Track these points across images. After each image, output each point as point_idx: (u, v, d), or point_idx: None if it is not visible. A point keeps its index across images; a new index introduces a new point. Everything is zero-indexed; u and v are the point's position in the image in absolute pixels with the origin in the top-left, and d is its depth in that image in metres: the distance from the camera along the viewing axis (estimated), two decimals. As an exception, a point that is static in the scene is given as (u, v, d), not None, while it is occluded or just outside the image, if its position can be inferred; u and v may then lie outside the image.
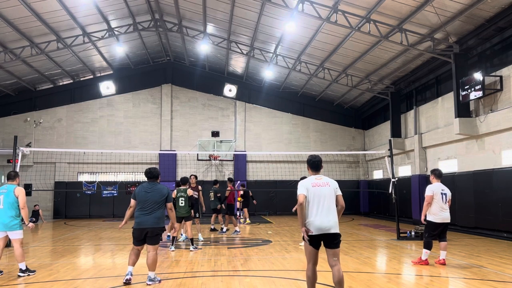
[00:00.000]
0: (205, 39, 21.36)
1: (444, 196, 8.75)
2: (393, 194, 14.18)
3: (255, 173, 25.73)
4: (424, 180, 19.01)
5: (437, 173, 9.01)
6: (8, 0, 15.61)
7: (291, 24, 16.69)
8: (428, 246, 8.75)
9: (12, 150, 13.31)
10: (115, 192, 24.28)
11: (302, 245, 10.68)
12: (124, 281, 7.02)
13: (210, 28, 21.07)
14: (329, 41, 18.66)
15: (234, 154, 25.62)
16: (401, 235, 13.45)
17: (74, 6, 17.41)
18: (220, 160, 26.01)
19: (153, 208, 7.08)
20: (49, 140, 25.51)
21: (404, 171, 21.77)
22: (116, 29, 20.59)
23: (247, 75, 26.55)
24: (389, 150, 14.96)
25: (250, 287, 6.87)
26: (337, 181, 5.84)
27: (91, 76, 26.50)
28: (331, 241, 5.47)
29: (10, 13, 16.64)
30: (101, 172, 25.48)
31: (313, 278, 5.57)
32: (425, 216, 8.86)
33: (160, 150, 25.59)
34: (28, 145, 24.09)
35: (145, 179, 7.51)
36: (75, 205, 25.20)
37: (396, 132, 21.57)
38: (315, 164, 5.81)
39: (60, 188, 24.97)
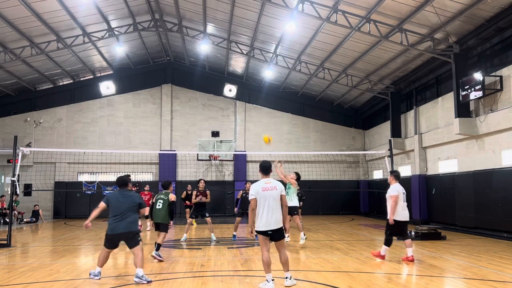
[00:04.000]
0: (205, 39, 21.36)
1: (404, 195, 9.22)
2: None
3: (255, 173, 25.69)
4: (424, 180, 19.04)
5: (396, 175, 9.49)
6: (8, 0, 15.62)
7: (291, 24, 16.69)
8: (388, 243, 9.19)
9: (12, 150, 13.33)
10: (115, 192, 24.24)
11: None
12: (95, 280, 7.33)
13: (210, 28, 21.07)
14: (329, 41, 18.66)
15: (234, 154, 25.63)
16: (401, 235, 13.42)
17: (74, 6, 17.41)
18: (220, 160, 26.00)
19: (125, 214, 7.33)
20: (49, 140, 25.50)
21: (404, 171, 21.75)
22: (116, 29, 20.59)
23: (247, 75, 26.54)
24: (389, 150, 14.96)
25: (250, 287, 6.87)
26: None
27: (91, 76, 26.50)
28: (276, 234, 6.56)
29: (10, 13, 16.64)
30: (101, 172, 25.46)
31: (268, 261, 6.54)
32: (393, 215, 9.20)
33: (160, 150, 25.56)
34: (28, 145, 24.09)
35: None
36: (75, 205, 25.17)
37: (396, 132, 21.56)
38: (265, 168, 6.79)
39: (60, 188, 24.97)
